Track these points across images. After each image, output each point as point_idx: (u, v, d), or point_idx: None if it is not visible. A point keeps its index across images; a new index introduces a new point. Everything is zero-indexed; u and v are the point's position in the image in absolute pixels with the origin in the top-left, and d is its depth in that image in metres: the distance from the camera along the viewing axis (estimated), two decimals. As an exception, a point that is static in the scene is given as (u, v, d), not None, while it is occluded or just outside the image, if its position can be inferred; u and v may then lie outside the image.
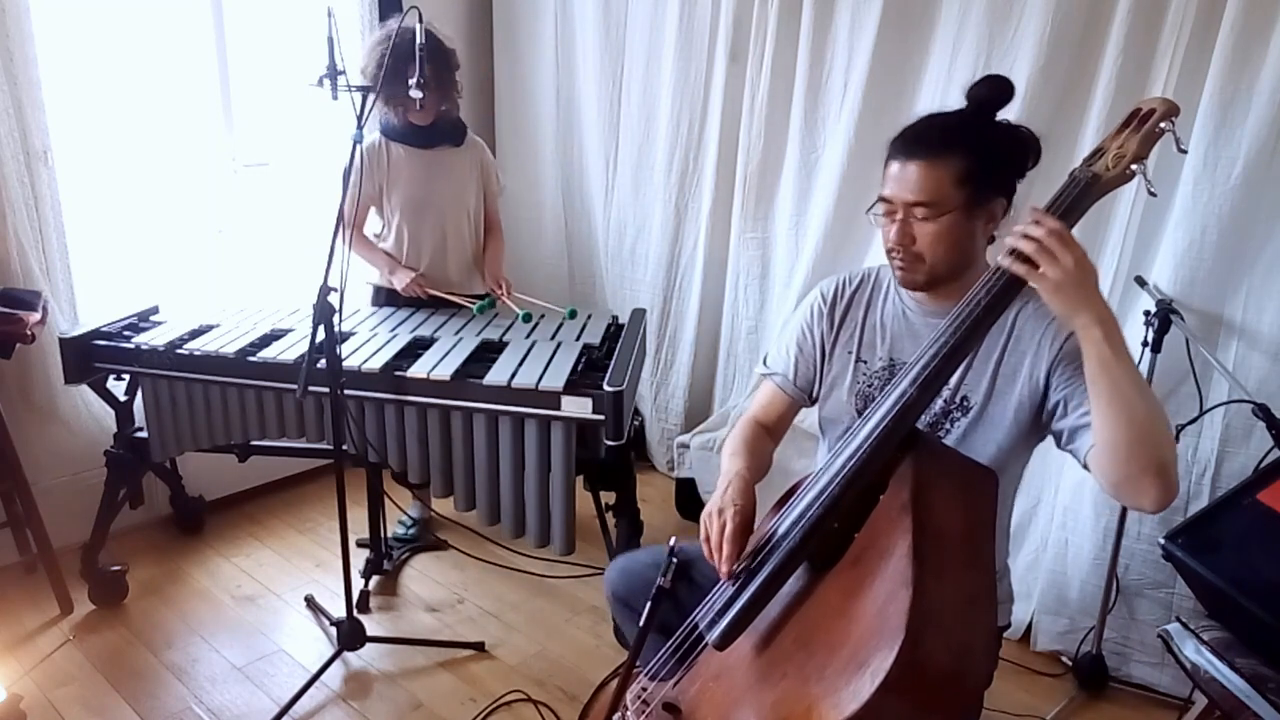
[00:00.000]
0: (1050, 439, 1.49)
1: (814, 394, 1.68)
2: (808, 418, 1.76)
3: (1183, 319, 2.15)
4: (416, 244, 2.79)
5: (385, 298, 2.88)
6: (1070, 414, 1.40)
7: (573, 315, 2.72)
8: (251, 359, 2.39)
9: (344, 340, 2.46)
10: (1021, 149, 1.44)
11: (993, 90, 1.42)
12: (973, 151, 1.40)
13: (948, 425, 1.51)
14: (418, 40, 2.27)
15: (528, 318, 2.67)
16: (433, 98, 2.53)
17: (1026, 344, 1.46)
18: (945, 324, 1.29)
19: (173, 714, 2.25)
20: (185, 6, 2.99)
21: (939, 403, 1.51)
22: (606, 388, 2.18)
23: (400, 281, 2.73)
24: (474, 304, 2.72)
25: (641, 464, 3.65)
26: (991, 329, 1.31)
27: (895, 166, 1.45)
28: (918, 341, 1.37)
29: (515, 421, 2.25)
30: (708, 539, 1.43)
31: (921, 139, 1.43)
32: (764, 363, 1.75)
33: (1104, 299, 1.24)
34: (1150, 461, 1.25)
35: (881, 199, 1.47)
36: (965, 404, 1.49)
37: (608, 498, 2.71)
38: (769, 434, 1.70)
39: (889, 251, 1.48)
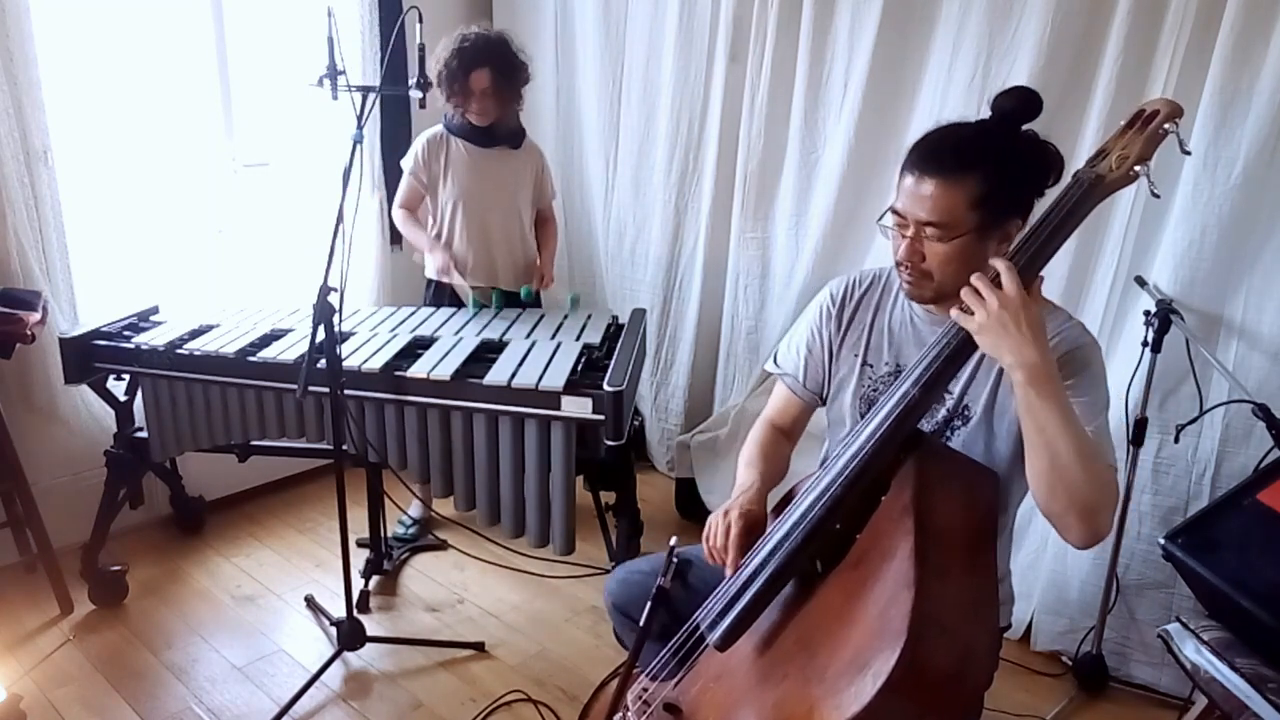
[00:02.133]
0: None
1: (824, 394, 1.68)
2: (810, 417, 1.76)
3: (1183, 319, 2.15)
4: (464, 236, 2.85)
5: (448, 296, 2.89)
6: None
7: (575, 302, 2.75)
8: (251, 359, 2.39)
9: (344, 340, 2.46)
10: (1043, 168, 1.39)
11: (1019, 103, 1.37)
12: (991, 173, 1.35)
13: (948, 434, 1.50)
14: (418, 41, 2.27)
15: (575, 301, 2.74)
16: (492, 105, 2.67)
17: None
18: (946, 328, 1.30)
19: (173, 714, 2.25)
20: (185, 6, 2.99)
21: (941, 411, 1.50)
22: (606, 388, 2.18)
23: (434, 262, 2.82)
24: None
25: (641, 464, 3.65)
26: None
27: (910, 181, 1.40)
28: (924, 348, 1.37)
29: (515, 421, 2.25)
30: (709, 539, 1.43)
31: (939, 156, 1.38)
32: (774, 360, 1.74)
33: (1033, 342, 1.23)
34: (1072, 504, 1.26)
35: (893, 211, 1.44)
36: (966, 413, 1.49)
37: (608, 498, 2.72)
38: (785, 437, 1.70)
39: (898, 264, 1.46)
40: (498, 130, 2.77)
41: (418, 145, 2.83)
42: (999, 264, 1.25)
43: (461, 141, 2.79)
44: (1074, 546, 1.32)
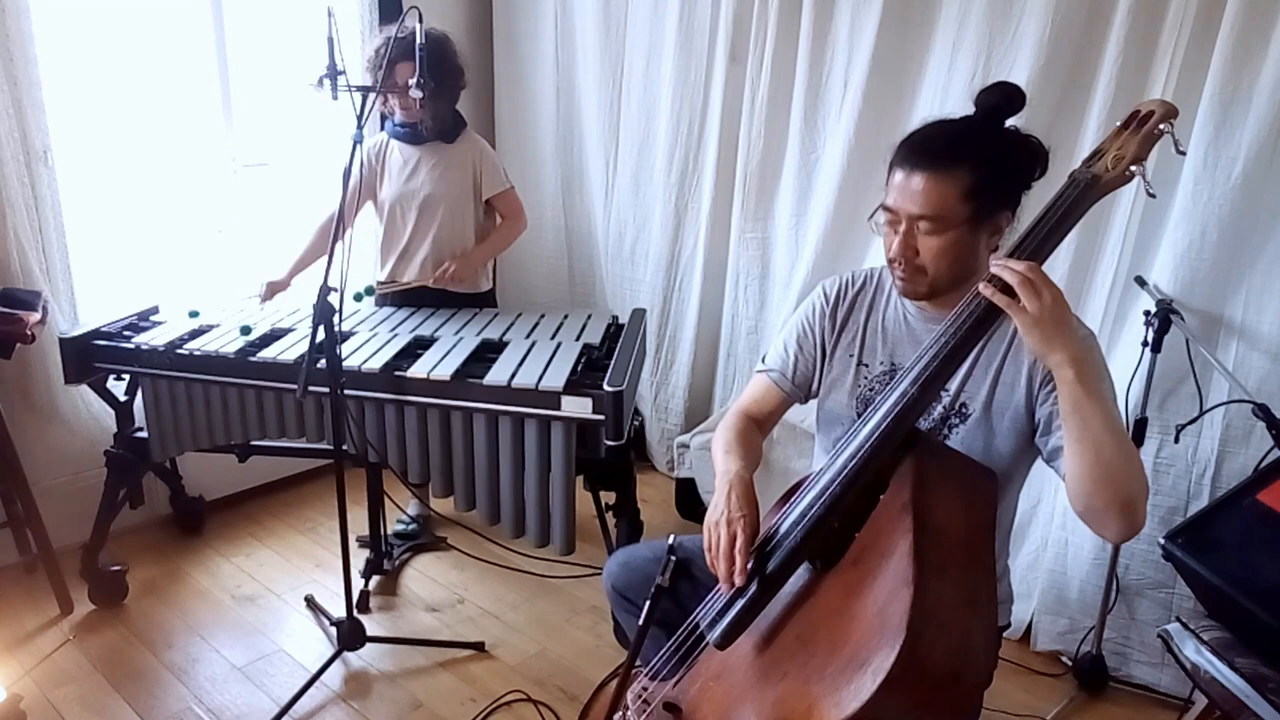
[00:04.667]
0: None
1: (811, 391, 1.67)
2: (808, 417, 1.76)
3: (1183, 319, 2.15)
4: (397, 236, 2.84)
5: (392, 297, 2.89)
6: (1052, 433, 1.40)
7: (358, 298, 2.76)
8: (251, 359, 2.40)
9: (344, 340, 2.46)
10: (1029, 161, 1.41)
11: (1002, 98, 1.38)
12: (980, 165, 1.36)
13: (945, 431, 1.50)
14: (417, 40, 2.27)
15: (369, 290, 2.77)
16: (413, 103, 2.61)
17: (1025, 354, 1.45)
18: (944, 326, 1.30)
19: (173, 714, 2.25)
20: (185, 6, 2.99)
21: (938, 408, 1.50)
22: (606, 388, 2.18)
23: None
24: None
25: (641, 464, 3.65)
26: (993, 336, 1.30)
27: (899, 176, 1.41)
28: (918, 347, 1.37)
29: (515, 421, 2.25)
30: (710, 549, 1.40)
31: (928, 149, 1.39)
32: (762, 361, 1.74)
33: (1079, 339, 1.25)
34: (1115, 499, 1.26)
35: (884, 208, 1.45)
36: (964, 411, 1.49)
37: (608, 498, 2.71)
38: (758, 427, 1.68)
39: (890, 261, 1.46)
40: (427, 128, 2.74)
41: (362, 152, 2.83)
42: (1023, 265, 1.22)
43: (396, 143, 2.80)
44: (1111, 542, 1.32)
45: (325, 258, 2.77)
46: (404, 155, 2.80)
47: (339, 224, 2.11)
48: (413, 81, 2.31)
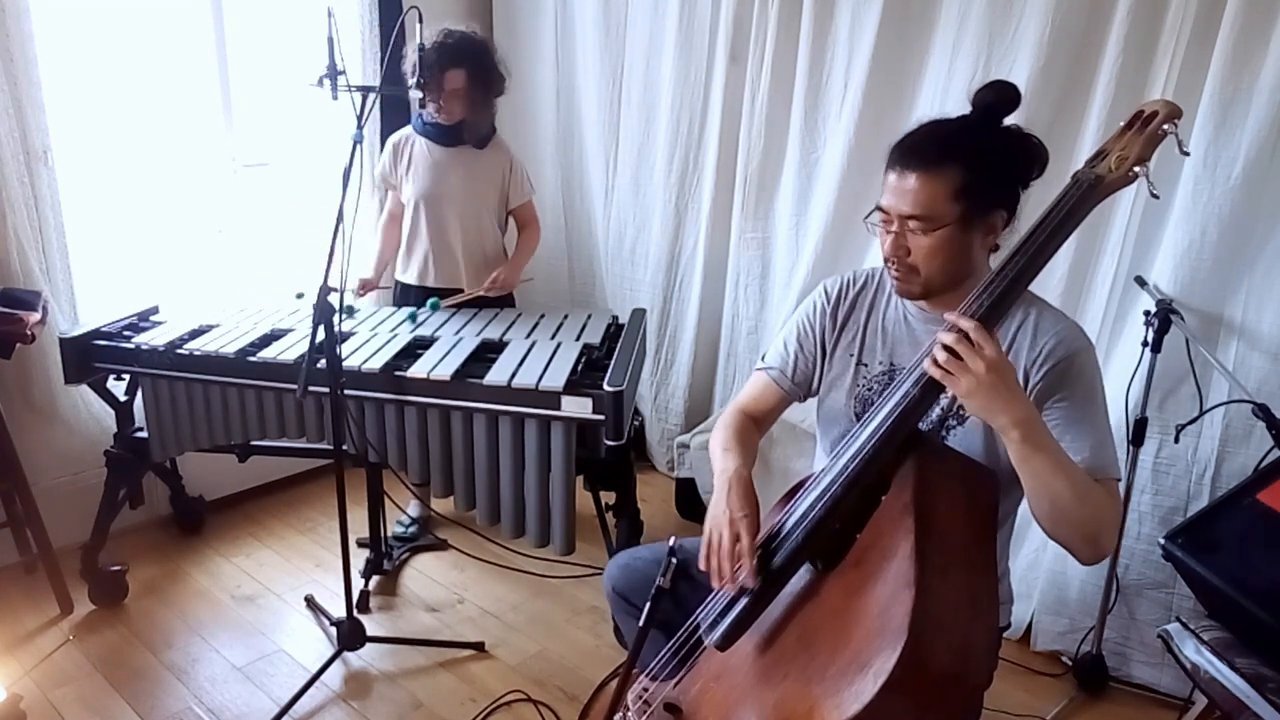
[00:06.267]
0: None
1: (811, 389, 1.67)
2: (808, 417, 1.76)
3: (1183, 319, 2.15)
4: (420, 235, 2.84)
5: (414, 298, 2.90)
6: None
7: (435, 307, 2.80)
8: (251, 359, 2.40)
9: (344, 340, 2.46)
10: (1025, 160, 1.41)
11: (998, 96, 1.39)
12: (971, 164, 1.36)
13: (943, 433, 1.50)
14: (417, 41, 2.27)
15: (434, 305, 2.80)
16: (459, 106, 2.65)
17: (1021, 360, 1.45)
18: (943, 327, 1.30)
19: (173, 714, 2.25)
20: (185, 6, 2.99)
21: (936, 410, 1.50)
22: (606, 388, 2.18)
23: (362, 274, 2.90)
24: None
25: (641, 464, 3.65)
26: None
27: (893, 177, 1.42)
28: (918, 347, 1.37)
29: (515, 421, 2.26)
30: (709, 545, 1.40)
31: (919, 150, 1.40)
32: (762, 359, 1.74)
33: (1022, 398, 1.25)
34: (1075, 535, 1.32)
35: (879, 208, 1.46)
36: (961, 414, 1.48)
37: (608, 498, 2.71)
38: (757, 425, 1.69)
39: (886, 260, 1.47)
40: (463, 131, 2.74)
41: (385, 150, 2.87)
42: (965, 323, 1.23)
43: (425, 141, 2.79)
44: (1081, 564, 1.34)
45: (386, 253, 2.91)
46: (433, 155, 2.79)
47: (339, 223, 2.10)
48: (411, 82, 2.30)
